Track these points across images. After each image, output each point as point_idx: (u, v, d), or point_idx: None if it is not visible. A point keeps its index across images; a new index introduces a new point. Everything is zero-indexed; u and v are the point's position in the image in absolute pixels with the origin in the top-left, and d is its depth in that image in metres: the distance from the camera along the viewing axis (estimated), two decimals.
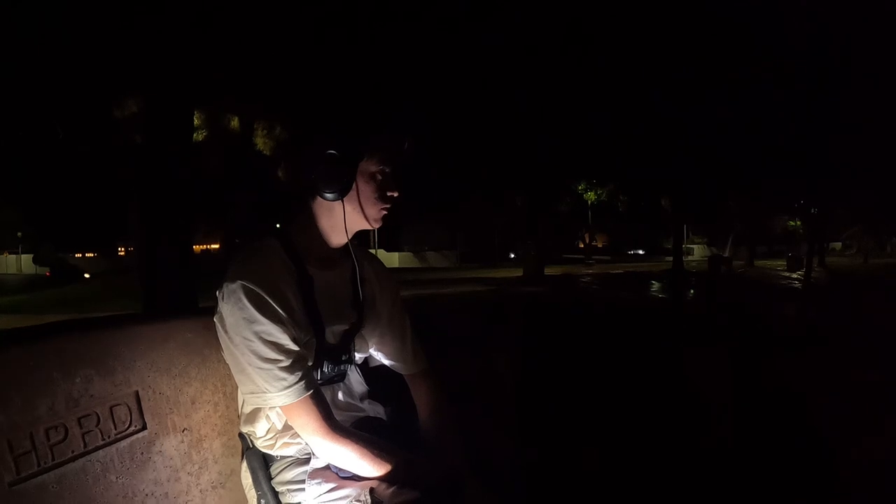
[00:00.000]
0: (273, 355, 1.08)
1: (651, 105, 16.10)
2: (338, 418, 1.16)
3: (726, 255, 28.96)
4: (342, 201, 1.18)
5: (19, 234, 35.39)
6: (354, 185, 1.18)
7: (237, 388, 1.20)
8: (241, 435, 1.25)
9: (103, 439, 1.07)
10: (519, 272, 20.15)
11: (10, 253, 38.11)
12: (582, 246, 43.25)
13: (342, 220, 1.20)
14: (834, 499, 2.38)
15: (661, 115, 16.48)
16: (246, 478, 1.23)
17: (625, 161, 18.14)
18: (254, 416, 1.20)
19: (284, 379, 1.09)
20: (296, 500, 1.17)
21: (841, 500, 2.38)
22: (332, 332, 1.22)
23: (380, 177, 1.21)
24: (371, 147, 1.19)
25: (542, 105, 14.93)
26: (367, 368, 1.34)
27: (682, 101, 16.33)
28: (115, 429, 1.10)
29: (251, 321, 1.08)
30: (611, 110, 15.70)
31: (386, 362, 1.38)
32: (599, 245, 49.40)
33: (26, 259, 38.20)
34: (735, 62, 15.53)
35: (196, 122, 9.90)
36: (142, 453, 1.14)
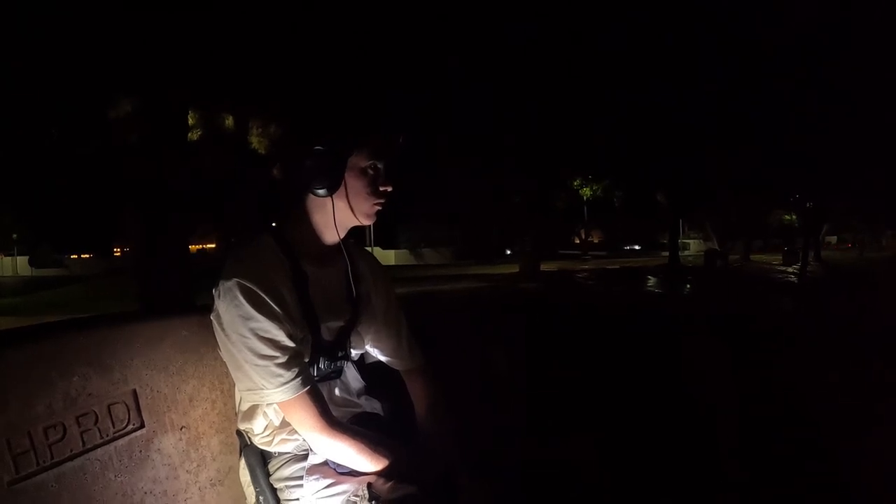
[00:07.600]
0: (269, 352, 1.09)
1: (651, 104, 16.09)
2: (335, 414, 1.17)
3: (717, 248, 29.01)
4: (332, 197, 1.17)
5: (15, 235, 35.24)
6: (345, 181, 1.17)
7: (234, 385, 1.21)
8: (238, 432, 1.26)
9: (102, 438, 1.08)
10: (515, 269, 20.16)
11: (5, 255, 38.00)
12: (578, 242, 43.21)
13: (334, 216, 1.20)
14: (833, 497, 2.38)
15: (661, 115, 16.47)
16: (244, 475, 1.24)
17: (623, 158, 18.15)
18: (251, 413, 1.21)
19: (281, 375, 1.09)
20: (294, 497, 1.18)
21: (840, 499, 2.38)
22: (328, 329, 1.22)
23: (371, 172, 1.20)
24: (360, 142, 1.18)
25: (542, 105, 14.94)
26: (364, 365, 1.35)
27: (681, 100, 16.34)
28: (114, 427, 1.10)
29: (247, 318, 1.08)
30: (610, 110, 15.69)
31: (382, 358, 1.39)
32: (595, 241, 49.34)
33: (22, 261, 38.10)
34: (735, 62, 15.57)
35: (191, 121, 9.87)
36: (140, 451, 1.14)
